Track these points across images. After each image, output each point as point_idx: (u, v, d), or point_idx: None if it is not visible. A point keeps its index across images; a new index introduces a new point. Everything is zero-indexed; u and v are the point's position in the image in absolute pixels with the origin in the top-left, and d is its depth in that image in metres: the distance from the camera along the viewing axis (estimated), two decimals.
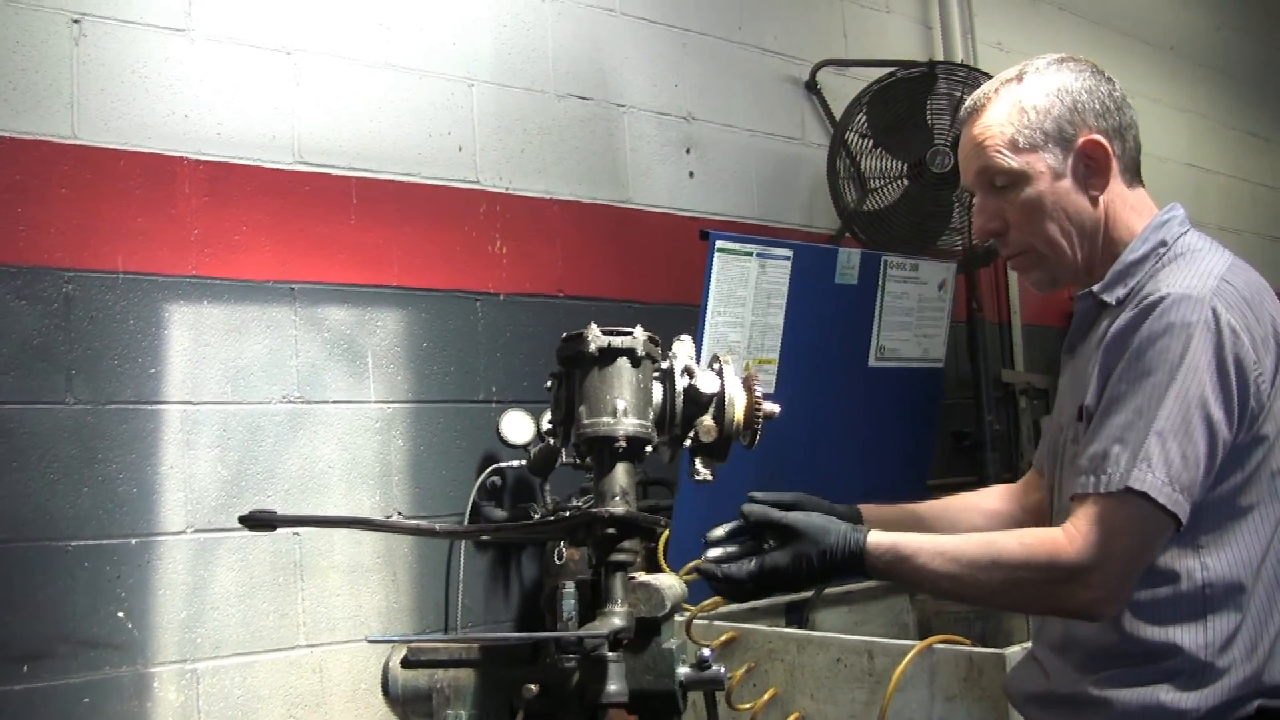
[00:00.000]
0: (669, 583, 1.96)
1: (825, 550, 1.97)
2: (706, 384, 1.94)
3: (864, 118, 4.60)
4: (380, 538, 3.64)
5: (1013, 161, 2.10)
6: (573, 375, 1.96)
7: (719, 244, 3.76)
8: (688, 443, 1.98)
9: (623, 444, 1.88)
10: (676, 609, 1.99)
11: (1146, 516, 1.86)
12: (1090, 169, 2.11)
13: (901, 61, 4.83)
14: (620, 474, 1.90)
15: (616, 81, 4.40)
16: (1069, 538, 1.89)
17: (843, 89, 4.94)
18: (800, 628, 3.53)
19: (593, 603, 1.88)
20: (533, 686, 1.82)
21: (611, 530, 1.85)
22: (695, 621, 3.10)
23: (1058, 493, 2.21)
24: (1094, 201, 2.11)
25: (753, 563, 1.99)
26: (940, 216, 4.58)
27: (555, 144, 4.20)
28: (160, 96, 3.37)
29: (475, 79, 4.01)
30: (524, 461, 3.74)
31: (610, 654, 1.79)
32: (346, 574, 3.57)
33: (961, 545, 1.98)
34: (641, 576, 1.93)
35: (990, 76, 4.18)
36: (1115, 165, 2.12)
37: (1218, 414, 1.89)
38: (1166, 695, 1.94)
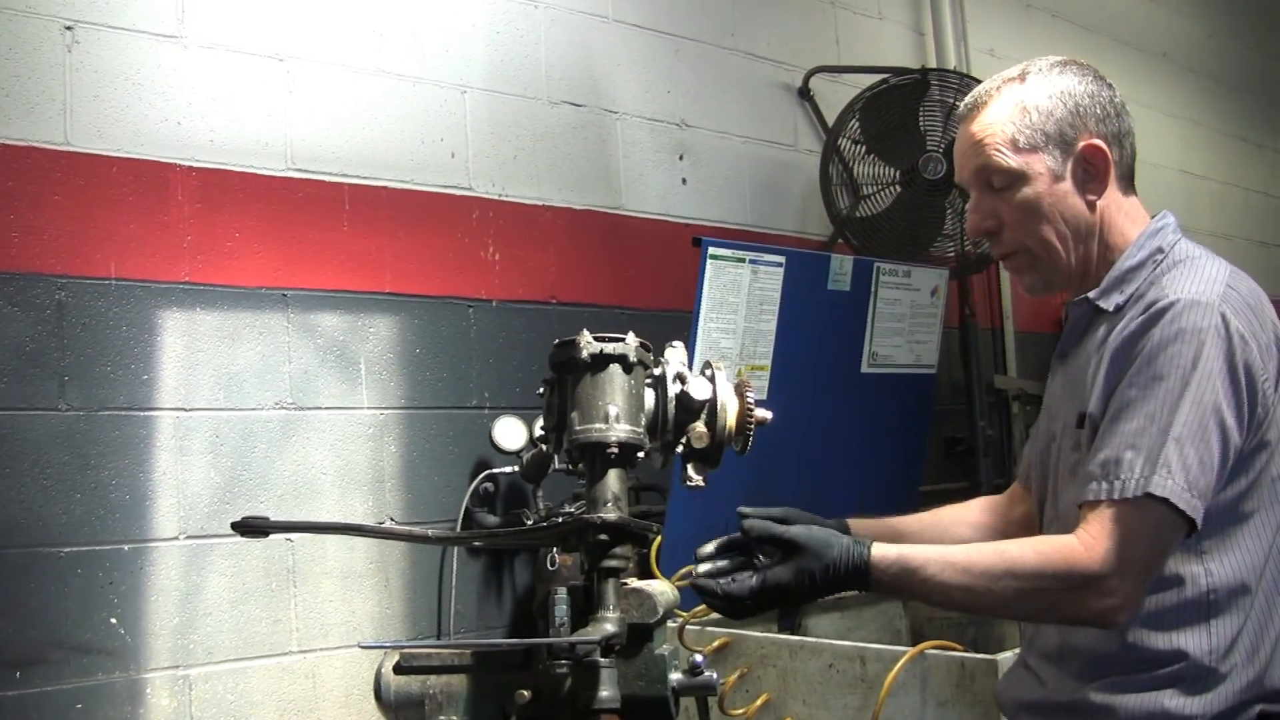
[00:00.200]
0: (661, 589, 1.96)
1: (829, 564, 1.94)
2: (699, 390, 1.95)
3: (857, 124, 4.61)
4: (373, 544, 3.64)
5: (1012, 161, 2.09)
6: (565, 381, 1.96)
7: (711, 250, 3.77)
8: (680, 449, 1.98)
9: (615, 450, 1.89)
10: (669, 615, 1.99)
11: (1163, 522, 1.87)
12: (1089, 173, 2.11)
13: (894, 68, 4.85)
14: (612, 480, 1.90)
15: (609, 88, 4.41)
16: (1085, 545, 1.88)
17: (835, 95, 4.95)
18: (792, 634, 3.53)
19: (585, 608, 1.88)
20: (525, 692, 1.82)
21: (604, 536, 1.86)
22: (688, 627, 3.10)
23: (1050, 502, 2.21)
24: (1091, 206, 2.11)
25: (753, 579, 1.95)
26: (933, 223, 4.59)
27: (548, 150, 4.20)
28: (153, 103, 3.37)
29: (468, 85, 4.01)
30: (516, 467, 3.74)
31: (602, 660, 1.79)
32: (339, 580, 3.57)
33: (973, 555, 1.96)
34: (634, 582, 1.93)
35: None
36: (1113, 171, 2.12)
37: (1230, 420, 1.89)
38: (1171, 701, 1.94)
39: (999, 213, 2.14)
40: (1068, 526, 2.02)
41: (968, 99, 2.21)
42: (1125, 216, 2.14)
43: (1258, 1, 8.09)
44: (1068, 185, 2.10)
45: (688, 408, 1.95)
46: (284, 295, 3.53)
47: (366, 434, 3.66)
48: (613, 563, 1.87)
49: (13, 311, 3.08)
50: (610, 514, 1.86)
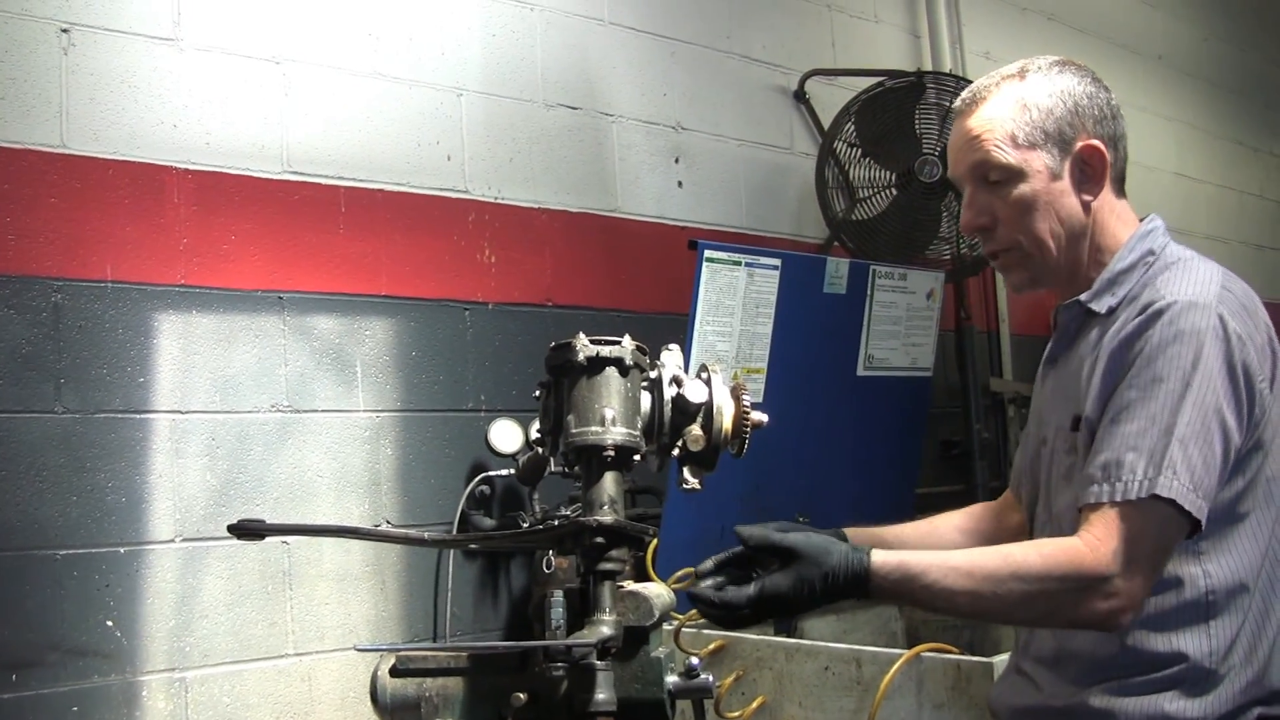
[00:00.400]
0: (657, 591, 1.96)
1: (828, 572, 1.89)
2: (695, 393, 1.95)
3: (852, 127, 4.61)
4: (369, 546, 3.64)
5: (1011, 157, 2.09)
6: (561, 384, 1.96)
7: (707, 253, 3.77)
8: (676, 452, 1.98)
9: (611, 453, 1.89)
10: (665, 617, 2.00)
11: (1167, 522, 1.86)
12: (1086, 174, 2.11)
13: (890, 71, 4.85)
14: (608, 483, 1.90)
15: (605, 91, 4.41)
16: (1090, 546, 1.87)
17: (831, 98, 4.95)
18: (788, 636, 3.53)
19: (581, 611, 1.88)
20: (521, 695, 1.82)
21: (600, 539, 1.86)
22: (683, 630, 3.10)
23: (1043, 505, 2.20)
24: (1086, 207, 2.11)
25: (751, 587, 1.90)
26: (928, 226, 4.59)
27: (544, 153, 4.20)
28: (149, 106, 3.37)
29: (464, 88, 4.01)
30: (512, 470, 3.75)
31: (598, 663, 1.79)
32: (335, 583, 3.57)
33: (976, 559, 1.94)
34: (630, 585, 1.94)
35: None
36: (1109, 173, 2.12)
37: (1231, 421, 1.90)
38: (1171, 704, 1.94)
39: (993, 209, 2.14)
40: (1063, 530, 2.02)
41: (965, 94, 2.20)
42: (1117, 219, 2.15)
43: (1254, 5, 8.10)
44: (1064, 184, 2.10)
45: (684, 410, 1.95)
46: (280, 298, 3.53)
47: (362, 436, 3.66)
48: (609, 565, 1.87)
49: (9, 314, 3.08)
50: (606, 517, 1.86)
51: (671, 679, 1.89)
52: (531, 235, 4.12)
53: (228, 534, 2.07)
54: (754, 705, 3.02)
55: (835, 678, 2.88)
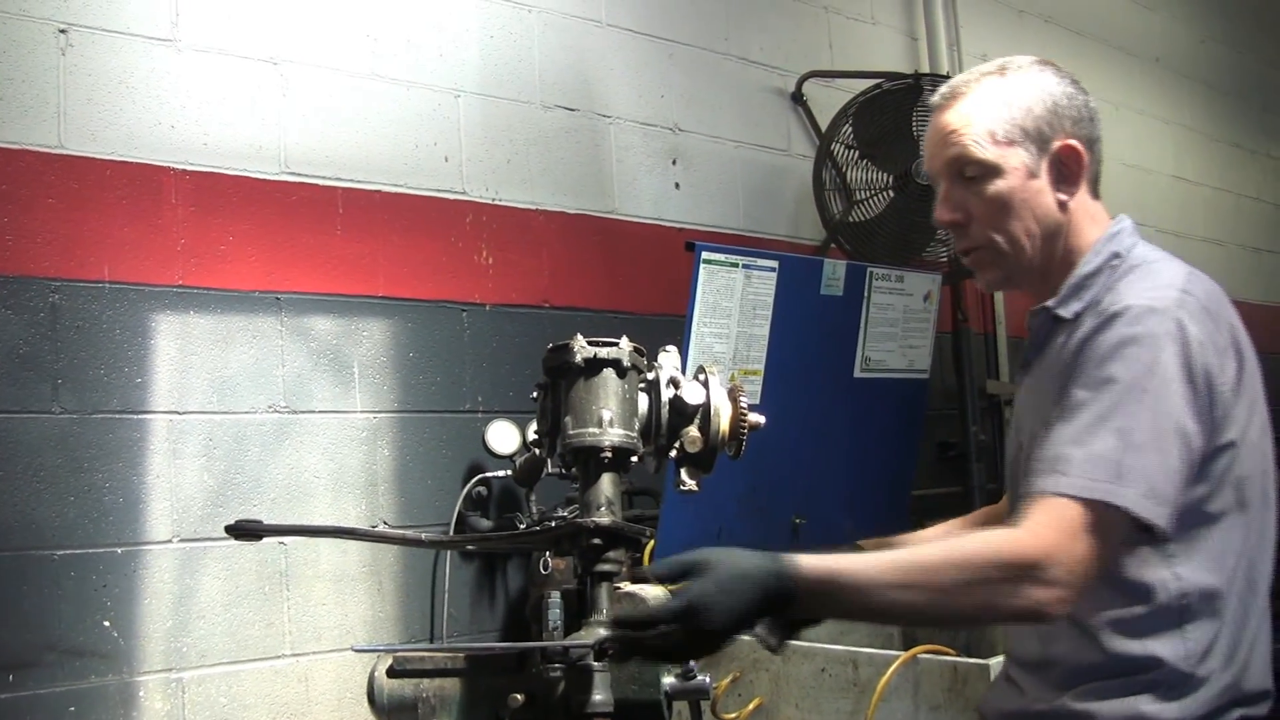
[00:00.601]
0: (654, 593, 1.96)
1: (746, 571, 1.74)
2: (692, 395, 1.95)
3: (850, 129, 4.61)
4: (366, 547, 3.64)
5: (988, 152, 2.07)
6: (559, 386, 1.97)
7: (705, 255, 3.77)
8: (673, 453, 1.99)
9: (608, 454, 1.89)
10: None
11: (1112, 524, 1.82)
12: (1063, 174, 2.09)
13: (887, 73, 4.85)
14: (606, 484, 1.91)
15: (602, 92, 4.41)
16: (1030, 533, 1.82)
17: (829, 100, 4.95)
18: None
19: (578, 612, 1.89)
20: (518, 696, 1.83)
21: (597, 540, 1.86)
22: None
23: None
24: (1062, 206, 2.10)
25: (677, 601, 1.69)
26: (926, 228, 4.59)
27: (541, 155, 4.21)
28: (147, 107, 3.37)
29: (462, 90, 4.01)
30: (510, 471, 3.74)
31: (595, 664, 1.79)
32: (332, 583, 3.57)
33: (915, 550, 1.89)
34: (627, 586, 1.93)
35: None
36: (1086, 174, 2.11)
37: (1191, 425, 1.87)
38: (1148, 706, 1.93)
39: (968, 205, 2.12)
40: None
41: (943, 89, 2.17)
42: (1091, 221, 2.13)
43: (1251, 7, 8.10)
44: (1041, 183, 2.09)
45: (681, 412, 1.96)
46: (277, 299, 3.53)
47: (360, 437, 3.67)
48: (606, 567, 1.87)
49: (6, 314, 3.08)
50: (603, 518, 1.87)
51: (668, 680, 1.89)
52: (529, 236, 4.12)
53: (225, 534, 2.08)
54: (751, 706, 3.02)
55: (832, 679, 2.88)
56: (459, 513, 3.77)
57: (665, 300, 4.29)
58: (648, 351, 2.02)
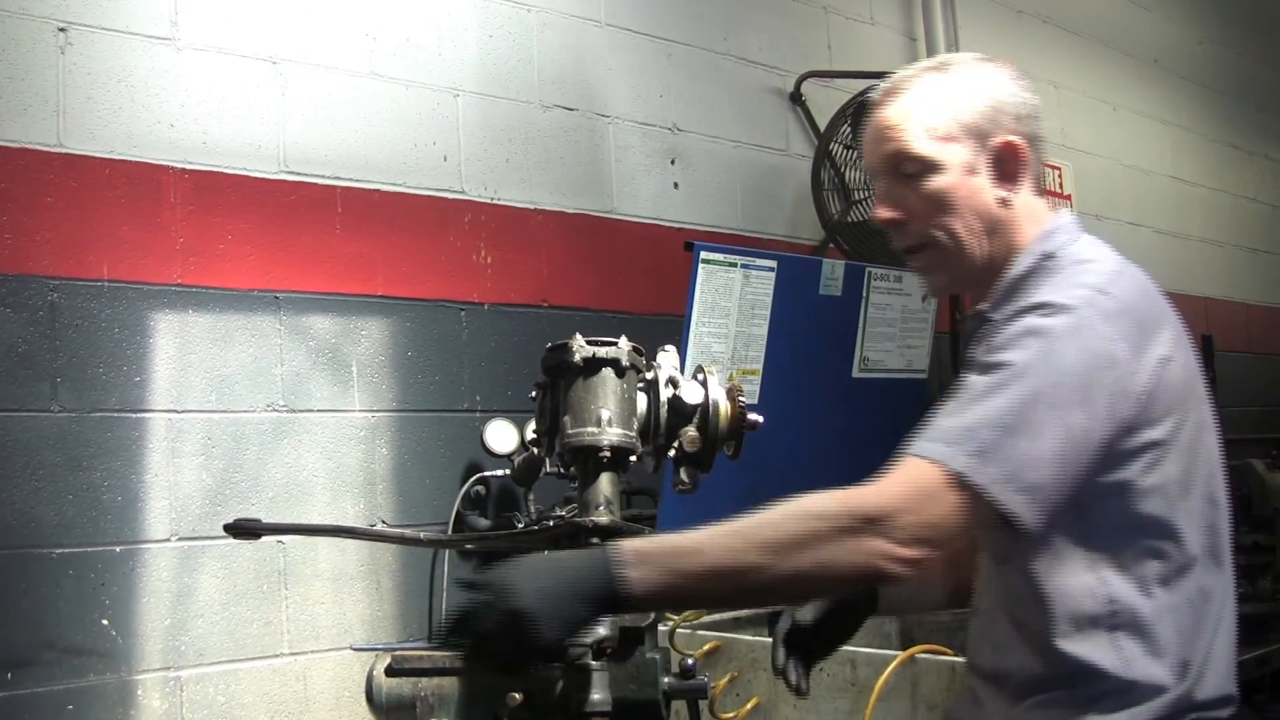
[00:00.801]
0: None
1: (557, 558, 1.74)
2: (691, 394, 1.95)
3: (848, 129, 4.62)
4: (364, 546, 3.64)
5: (927, 148, 2.00)
6: (557, 385, 1.97)
7: (703, 255, 3.78)
8: (672, 453, 1.99)
9: (607, 454, 1.90)
10: (660, 618, 2.00)
11: (971, 502, 1.73)
12: (1004, 171, 2.02)
13: (886, 73, 4.83)
14: (604, 484, 1.91)
15: (601, 92, 4.41)
16: (875, 487, 1.76)
17: (827, 100, 4.96)
18: None
19: None
20: (516, 695, 1.82)
21: (595, 540, 1.86)
22: (679, 631, 3.11)
23: None
24: (1002, 204, 2.02)
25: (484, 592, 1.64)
26: None
27: (540, 154, 4.21)
28: (146, 105, 3.37)
29: (461, 89, 4.02)
30: (508, 471, 3.74)
31: (594, 663, 1.80)
32: (330, 582, 3.57)
33: (758, 512, 1.79)
34: None
35: None
36: (1028, 172, 2.05)
37: (1081, 422, 1.78)
38: (1097, 718, 1.85)
39: (907, 203, 2.04)
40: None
41: (883, 84, 2.12)
42: (1031, 219, 2.05)
43: (1248, 8, 8.11)
44: (981, 180, 2.01)
45: (680, 412, 1.96)
46: (276, 298, 3.53)
47: (358, 436, 3.67)
48: None
49: (5, 313, 3.08)
50: (602, 518, 1.87)
51: (666, 679, 1.89)
52: (527, 236, 4.12)
53: (224, 533, 2.09)
54: (749, 706, 3.02)
55: (830, 679, 2.88)
56: (457, 512, 3.77)
57: (664, 300, 4.29)
58: (646, 351, 2.02)
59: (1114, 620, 1.86)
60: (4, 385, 3.07)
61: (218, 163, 3.47)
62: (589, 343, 1.93)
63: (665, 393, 1.97)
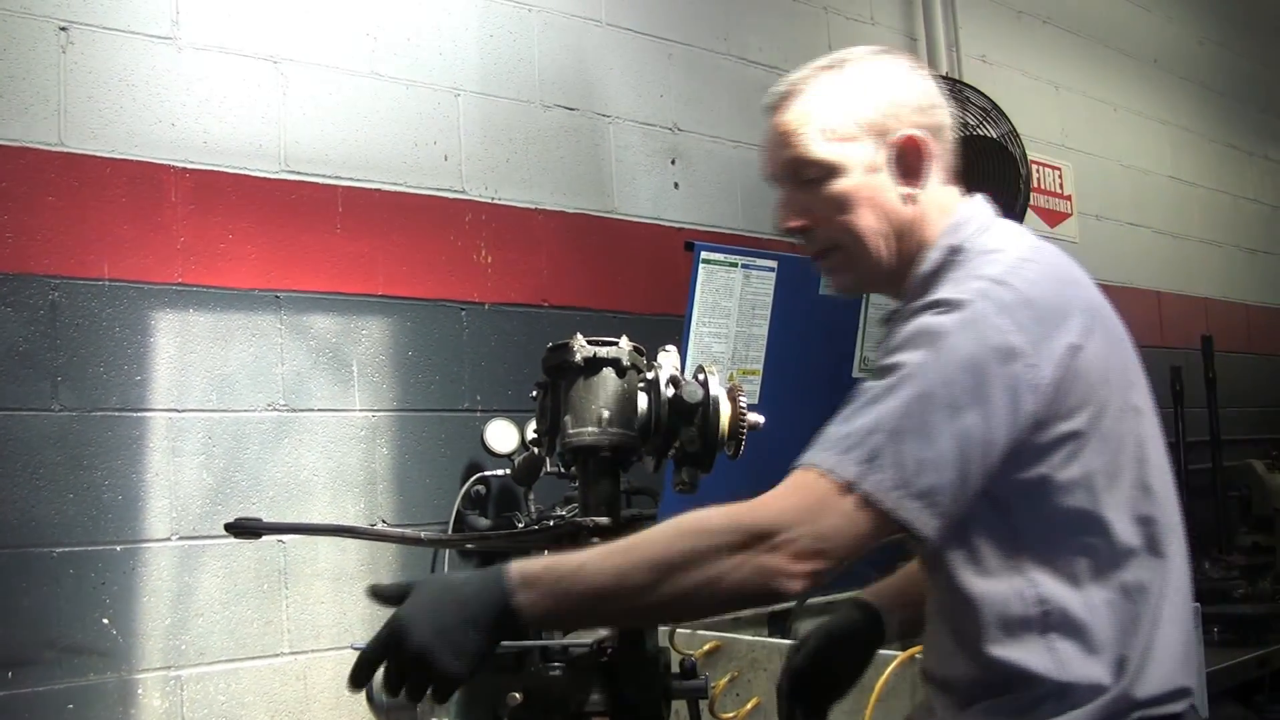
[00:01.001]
0: None
1: (450, 583, 1.74)
2: (691, 394, 1.95)
3: None
4: (364, 546, 3.64)
5: (825, 152, 1.95)
6: (558, 385, 1.97)
7: (704, 255, 3.77)
8: (672, 452, 1.99)
9: (607, 454, 1.90)
10: None
11: (865, 510, 1.69)
12: (906, 166, 1.97)
13: None
14: (605, 483, 1.91)
15: (602, 92, 4.42)
16: (763, 501, 1.73)
17: None
18: (784, 637, 3.53)
19: None
20: (517, 695, 1.83)
21: (595, 540, 1.86)
22: (679, 630, 3.11)
23: None
24: (907, 200, 1.97)
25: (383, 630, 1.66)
26: None
27: (541, 154, 4.21)
28: (147, 105, 3.37)
29: (461, 89, 4.02)
30: (508, 470, 3.74)
31: (593, 663, 1.80)
32: (331, 581, 3.57)
33: (645, 532, 1.74)
34: None
35: (975, 90, 4.16)
36: (932, 165, 1.98)
37: (976, 421, 1.71)
38: None
39: (811, 208, 1.99)
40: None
41: (778, 87, 2.06)
42: (941, 213, 1.99)
43: (1248, 9, 8.11)
44: (883, 178, 1.96)
45: (680, 411, 1.95)
46: (277, 297, 3.54)
47: (359, 436, 3.67)
48: None
49: (6, 312, 3.09)
50: (602, 518, 1.87)
51: (667, 679, 1.89)
52: (528, 236, 4.12)
53: (224, 532, 2.08)
54: (749, 706, 3.02)
55: None
56: (457, 511, 3.77)
57: (664, 300, 4.29)
58: (647, 351, 2.02)
59: (1046, 621, 1.80)
60: (5, 384, 3.07)
61: (218, 162, 3.47)
62: (590, 342, 1.93)
63: (666, 393, 1.96)
